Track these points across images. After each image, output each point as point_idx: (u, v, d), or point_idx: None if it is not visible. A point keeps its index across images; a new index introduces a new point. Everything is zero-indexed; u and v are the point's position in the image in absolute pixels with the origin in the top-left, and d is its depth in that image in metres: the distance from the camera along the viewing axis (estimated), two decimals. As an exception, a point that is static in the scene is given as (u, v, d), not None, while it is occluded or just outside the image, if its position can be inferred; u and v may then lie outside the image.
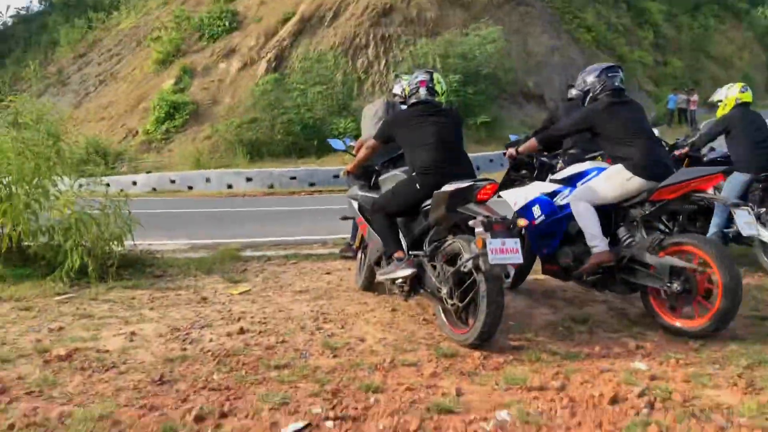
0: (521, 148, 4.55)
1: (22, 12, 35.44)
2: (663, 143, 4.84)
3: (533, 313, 4.31)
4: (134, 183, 16.76)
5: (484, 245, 3.36)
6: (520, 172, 4.75)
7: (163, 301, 4.58)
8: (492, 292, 3.40)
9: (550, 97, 24.55)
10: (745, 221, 4.47)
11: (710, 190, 4.39)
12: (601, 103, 4.20)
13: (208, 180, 15.98)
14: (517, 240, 3.44)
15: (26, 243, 5.25)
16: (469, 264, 3.47)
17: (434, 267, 3.81)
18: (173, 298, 4.66)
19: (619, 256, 3.91)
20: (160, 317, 4.16)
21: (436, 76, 4.24)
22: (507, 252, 3.37)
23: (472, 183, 3.68)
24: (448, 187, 3.68)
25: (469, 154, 4.24)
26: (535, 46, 24.71)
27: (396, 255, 3.98)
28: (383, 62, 20.97)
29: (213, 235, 7.90)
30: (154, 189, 16.33)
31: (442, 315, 3.80)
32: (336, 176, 15.09)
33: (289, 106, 18.58)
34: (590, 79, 4.32)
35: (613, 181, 4.03)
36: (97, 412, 2.64)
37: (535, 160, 4.71)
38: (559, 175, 4.43)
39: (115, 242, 5.34)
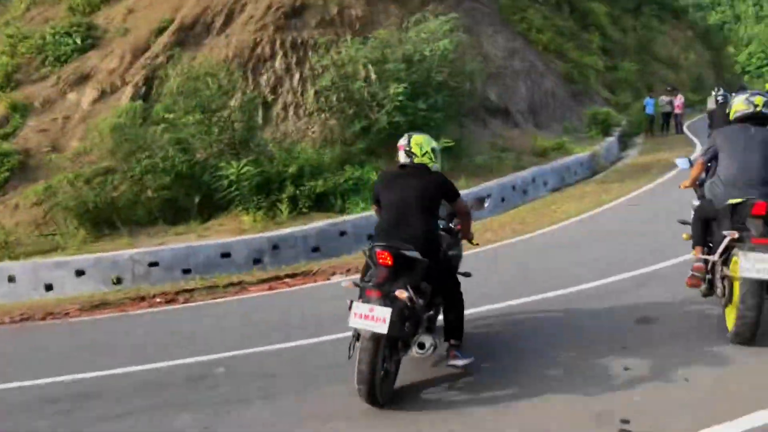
0: None
1: None
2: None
3: None
4: None
5: None
6: None
7: None
8: None
9: (517, 109, 19.34)
10: None
11: None
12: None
13: (11, 279, 9.57)
14: None
15: None
16: None
17: None
18: None
19: None
20: None
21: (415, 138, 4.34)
22: None
23: None
24: None
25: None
26: (492, 49, 19.55)
27: None
28: (297, 76, 15.15)
29: None
30: (-72, 299, 9.78)
31: None
32: (225, 255, 9.14)
33: (157, 147, 12.39)
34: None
35: None
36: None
37: None
38: None
39: None
